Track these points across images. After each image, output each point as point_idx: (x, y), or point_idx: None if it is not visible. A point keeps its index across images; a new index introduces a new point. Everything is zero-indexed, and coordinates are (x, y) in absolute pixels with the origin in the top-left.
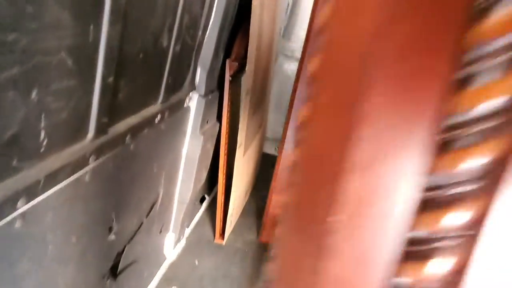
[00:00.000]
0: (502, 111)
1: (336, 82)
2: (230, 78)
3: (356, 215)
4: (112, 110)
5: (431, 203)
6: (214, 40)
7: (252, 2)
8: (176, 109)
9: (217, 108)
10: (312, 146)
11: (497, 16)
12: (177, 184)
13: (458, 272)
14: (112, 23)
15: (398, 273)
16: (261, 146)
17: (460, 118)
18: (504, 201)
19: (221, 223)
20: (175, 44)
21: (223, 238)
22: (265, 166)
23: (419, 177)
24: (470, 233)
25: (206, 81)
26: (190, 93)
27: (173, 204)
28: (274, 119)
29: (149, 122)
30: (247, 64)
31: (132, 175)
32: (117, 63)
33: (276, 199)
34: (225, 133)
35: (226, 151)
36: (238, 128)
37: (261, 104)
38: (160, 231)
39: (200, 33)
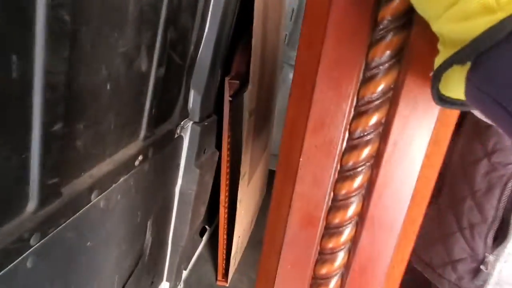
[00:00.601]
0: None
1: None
2: (230, 99)
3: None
4: (66, 165)
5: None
6: (209, 56)
7: (254, 9)
8: (165, 142)
9: (215, 134)
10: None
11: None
12: (170, 227)
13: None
14: (50, 48)
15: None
16: (266, 168)
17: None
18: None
19: (224, 262)
20: (158, 66)
21: (226, 279)
22: (272, 185)
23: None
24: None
25: (201, 105)
26: (183, 121)
27: (166, 249)
28: (279, 134)
29: (126, 166)
30: (249, 82)
31: (105, 236)
32: (68, 102)
33: None
34: (225, 162)
35: (227, 182)
36: (240, 154)
37: (266, 123)
38: (152, 283)
39: (191, 49)
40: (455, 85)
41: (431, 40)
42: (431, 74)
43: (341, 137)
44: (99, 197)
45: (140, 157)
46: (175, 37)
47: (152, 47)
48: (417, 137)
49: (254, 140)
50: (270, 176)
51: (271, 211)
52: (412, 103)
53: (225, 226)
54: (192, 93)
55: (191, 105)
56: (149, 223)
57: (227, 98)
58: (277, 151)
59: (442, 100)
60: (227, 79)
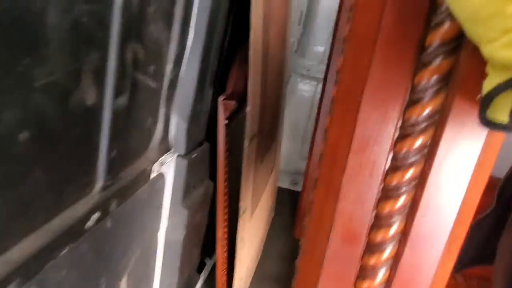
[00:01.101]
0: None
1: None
2: (226, 122)
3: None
4: None
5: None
6: (195, 74)
7: (251, 15)
8: (137, 186)
9: (208, 165)
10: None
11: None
12: (154, 280)
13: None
14: None
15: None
16: (275, 189)
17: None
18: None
19: None
20: (116, 95)
21: None
22: (281, 206)
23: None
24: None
25: (188, 134)
26: (163, 156)
27: None
28: (288, 148)
29: (71, 235)
30: (248, 100)
31: None
32: None
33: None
34: (222, 195)
35: (226, 217)
36: (240, 184)
37: (272, 142)
38: None
39: (169, 67)
40: (506, 109)
41: (479, 63)
42: (478, 97)
43: (385, 158)
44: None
45: (97, 215)
46: (142, 55)
47: (101, 72)
48: (463, 159)
49: (257, 167)
50: (279, 194)
51: (310, 226)
52: (458, 126)
53: (225, 267)
54: (174, 121)
55: (173, 135)
56: (123, 282)
57: (221, 121)
58: (287, 167)
59: (490, 123)
60: (220, 99)
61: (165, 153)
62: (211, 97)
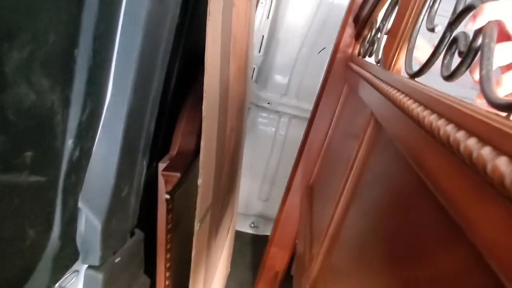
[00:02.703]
0: None
1: None
2: (168, 197)
3: None
4: None
5: None
6: (117, 144)
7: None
8: None
9: (142, 261)
10: None
11: None
12: None
13: None
14: None
15: None
16: (230, 250)
17: None
18: None
19: None
20: None
21: None
22: (239, 254)
23: None
24: None
25: (105, 235)
26: (64, 275)
27: None
28: (247, 189)
29: None
30: (201, 170)
31: None
32: None
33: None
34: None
35: None
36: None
37: (230, 197)
38: None
39: (69, 145)
40: None
41: None
42: None
43: None
44: None
45: None
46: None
47: None
48: None
49: (211, 245)
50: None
51: None
52: None
53: None
54: (82, 219)
55: (82, 239)
56: None
57: (162, 197)
58: (245, 209)
59: None
60: (161, 167)
61: (66, 269)
62: (148, 165)
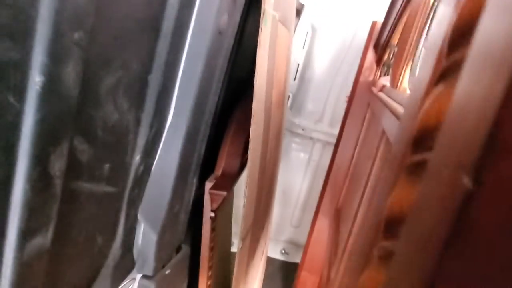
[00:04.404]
0: None
1: None
2: (212, 215)
3: None
4: None
5: None
6: (175, 162)
7: (256, 74)
8: None
9: (186, 276)
10: None
11: None
12: None
13: None
14: None
15: None
16: (262, 274)
17: None
18: None
19: None
20: (29, 235)
21: None
22: (269, 275)
23: None
24: None
25: (159, 247)
26: (124, 282)
27: None
28: (279, 215)
29: None
30: (247, 191)
31: None
32: None
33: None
34: None
35: None
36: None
37: (266, 220)
38: None
39: (136, 160)
40: None
41: None
42: None
43: None
44: None
45: None
46: (86, 154)
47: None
48: None
49: (249, 266)
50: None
51: None
52: None
53: None
54: (141, 231)
55: (139, 250)
56: None
57: (207, 214)
58: (277, 235)
59: None
60: (208, 186)
61: (124, 276)
62: (198, 183)
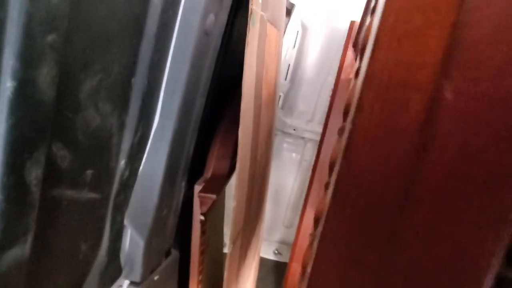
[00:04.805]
0: None
1: None
2: (202, 218)
3: None
4: None
5: None
6: (162, 165)
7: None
8: None
9: (176, 281)
10: None
11: None
12: None
13: None
14: None
15: None
16: (255, 275)
17: None
18: None
19: None
20: (11, 243)
21: None
22: (262, 281)
23: None
24: None
25: (146, 253)
26: None
27: None
28: (271, 215)
29: None
30: (235, 193)
31: None
32: None
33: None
34: None
35: None
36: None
37: (257, 221)
38: None
39: (122, 164)
40: None
41: None
42: None
43: None
44: None
45: None
46: (66, 160)
47: None
48: None
49: (240, 268)
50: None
51: None
52: None
53: None
54: (127, 236)
55: (126, 256)
56: None
57: (197, 217)
58: (269, 235)
59: None
60: (197, 189)
61: (111, 284)
62: (186, 185)
